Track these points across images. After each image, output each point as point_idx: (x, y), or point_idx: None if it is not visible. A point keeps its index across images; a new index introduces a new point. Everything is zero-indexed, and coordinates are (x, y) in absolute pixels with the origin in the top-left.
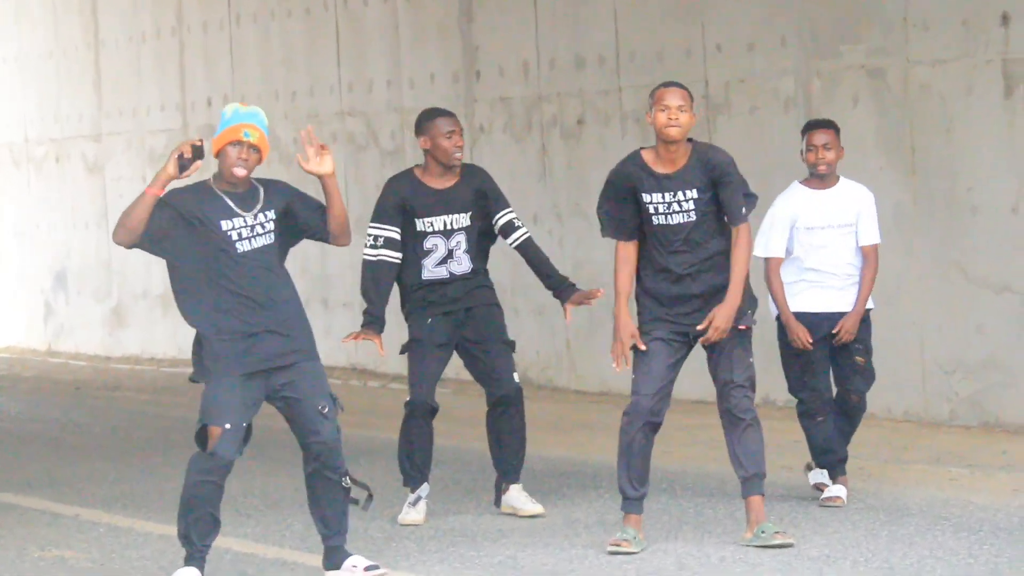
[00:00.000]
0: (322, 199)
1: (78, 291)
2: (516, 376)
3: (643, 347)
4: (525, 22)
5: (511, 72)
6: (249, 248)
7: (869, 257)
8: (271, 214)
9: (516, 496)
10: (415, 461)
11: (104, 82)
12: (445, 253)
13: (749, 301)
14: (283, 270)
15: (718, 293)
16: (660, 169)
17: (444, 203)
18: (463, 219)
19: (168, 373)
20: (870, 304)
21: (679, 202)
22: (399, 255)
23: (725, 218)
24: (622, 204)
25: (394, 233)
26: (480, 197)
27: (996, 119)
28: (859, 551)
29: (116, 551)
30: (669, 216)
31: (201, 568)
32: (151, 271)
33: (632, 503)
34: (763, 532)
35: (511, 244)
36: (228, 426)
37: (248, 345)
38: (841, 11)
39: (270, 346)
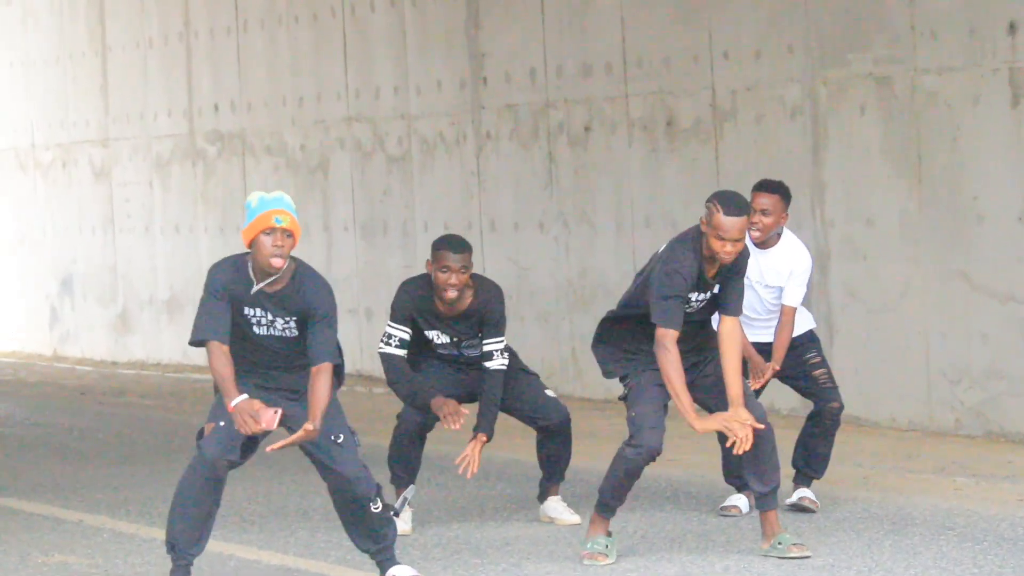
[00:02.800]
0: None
1: (84, 296)
2: (550, 392)
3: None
4: (532, 29)
5: (518, 79)
6: (266, 333)
7: (785, 316)
8: (292, 320)
9: (554, 506)
10: (406, 465)
11: (111, 87)
12: (456, 353)
13: None
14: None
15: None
16: (707, 273)
17: (452, 327)
18: (474, 340)
19: (174, 379)
20: (811, 325)
21: (699, 301)
22: (404, 353)
23: (724, 307)
24: (685, 301)
25: (405, 334)
26: (481, 324)
27: (1003, 128)
28: (863, 560)
29: (120, 557)
30: (697, 312)
31: None
32: (157, 277)
33: (609, 510)
34: (780, 544)
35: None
36: (222, 423)
37: (261, 393)
38: (848, 19)
39: (282, 400)
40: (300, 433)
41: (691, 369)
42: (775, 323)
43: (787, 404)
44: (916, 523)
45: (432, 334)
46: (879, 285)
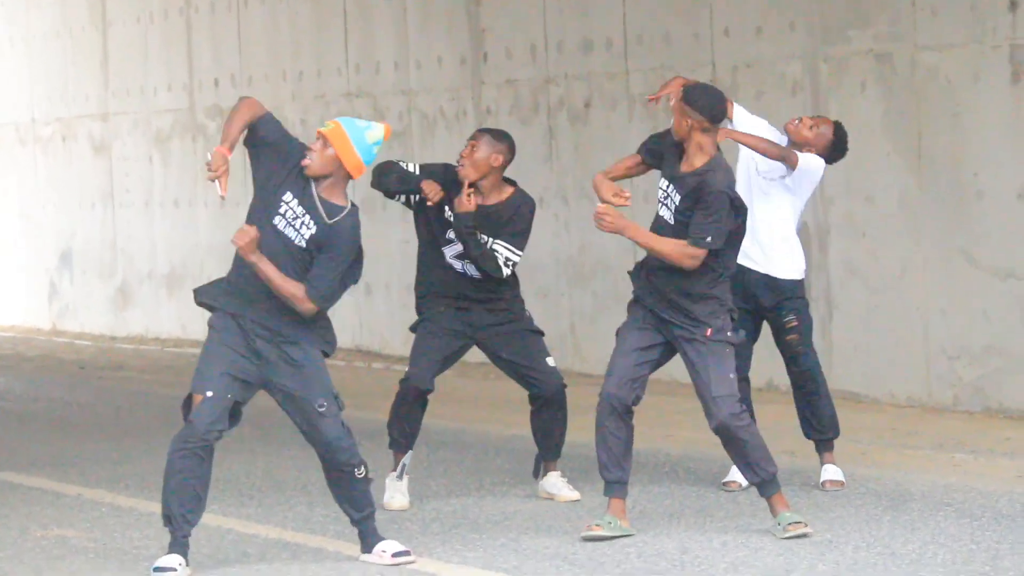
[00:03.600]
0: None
1: (83, 271)
2: (551, 361)
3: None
4: (533, 5)
5: (518, 55)
6: (281, 229)
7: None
8: (313, 230)
9: (554, 482)
10: (404, 430)
11: (111, 62)
12: (463, 253)
13: (726, 315)
14: (298, 269)
15: (685, 301)
16: (681, 163)
17: (480, 217)
18: (482, 239)
19: (173, 353)
20: (798, 275)
21: (669, 196)
22: (412, 166)
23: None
24: (649, 152)
25: (416, 169)
26: (501, 223)
27: (1003, 105)
28: (861, 536)
29: (118, 531)
30: (660, 206)
31: (184, 554)
32: (156, 251)
33: (612, 487)
34: (779, 524)
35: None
36: (209, 394)
37: (243, 302)
38: None
39: (260, 313)
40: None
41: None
42: (783, 249)
43: (786, 380)
44: (914, 499)
45: (451, 215)
46: (879, 262)
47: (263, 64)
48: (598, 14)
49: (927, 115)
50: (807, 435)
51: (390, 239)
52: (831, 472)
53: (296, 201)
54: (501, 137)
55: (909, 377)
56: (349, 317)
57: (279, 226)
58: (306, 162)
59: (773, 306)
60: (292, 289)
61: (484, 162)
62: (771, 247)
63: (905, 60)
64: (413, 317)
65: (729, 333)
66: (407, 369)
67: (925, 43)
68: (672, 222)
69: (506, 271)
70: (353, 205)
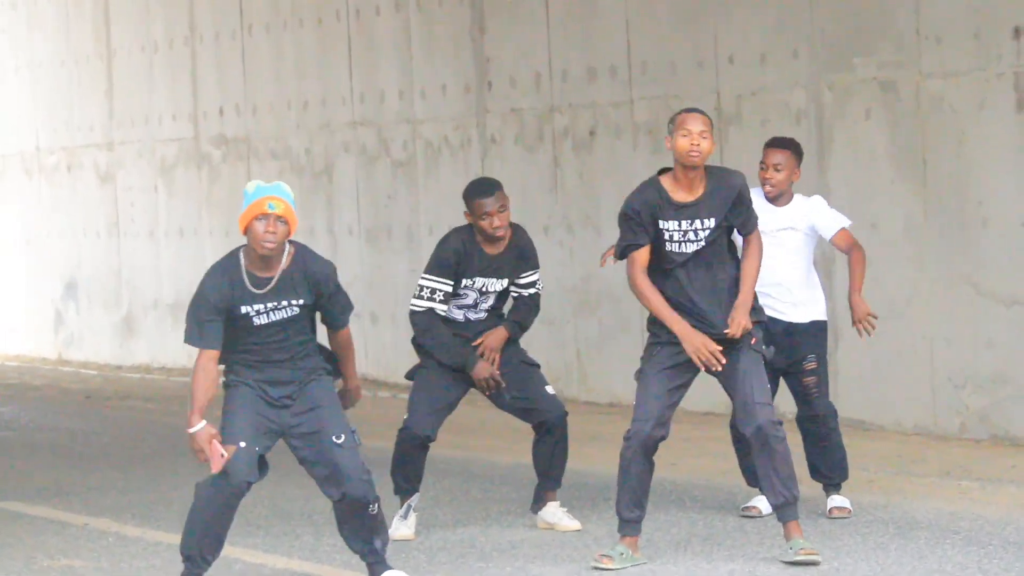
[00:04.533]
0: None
1: (89, 300)
2: (550, 389)
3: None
4: (537, 33)
5: (523, 83)
6: (267, 322)
7: (846, 241)
8: (297, 303)
9: (553, 512)
10: (408, 475)
11: (116, 91)
12: (471, 304)
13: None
14: (306, 326)
15: (722, 316)
16: (679, 197)
17: (492, 268)
18: (499, 284)
19: (178, 383)
20: (820, 316)
21: (695, 231)
22: (446, 308)
23: (740, 230)
24: (641, 230)
25: (446, 286)
26: (520, 259)
27: (1008, 132)
28: (868, 564)
29: (125, 560)
30: (683, 244)
31: None
32: (162, 281)
33: (627, 525)
34: (791, 548)
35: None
36: (243, 444)
37: (264, 388)
38: (853, 24)
39: (284, 390)
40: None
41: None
42: (803, 296)
43: (792, 408)
44: (921, 527)
45: (464, 281)
46: (884, 290)
47: (267, 93)
48: (602, 42)
49: (932, 143)
50: (814, 477)
51: (396, 269)
52: (837, 500)
53: (261, 304)
54: (493, 183)
55: (915, 405)
56: (355, 346)
57: (264, 322)
58: (269, 246)
59: (794, 347)
60: (351, 344)
61: (508, 213)
62: (791, 293)
63: (910, 88)
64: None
65: (763, 346)
66: (405, 418)
67: (930, 71)
68: (704, 246)
69: (540, 292)
70: (296, 246)
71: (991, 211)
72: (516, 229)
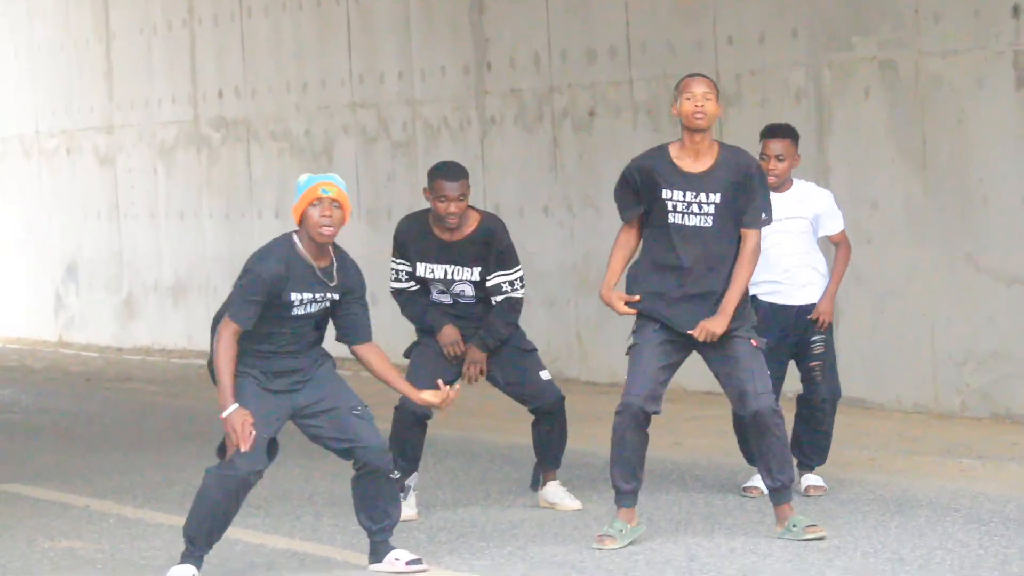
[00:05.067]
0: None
1: (89, 283)
2: (545, 374)
3: (630, 310)
4: (536, 14)
5: (522, 64)
6: (303, 313)
7: (841, 246)
8: (333, 297)
9: (554, 491)
10: (406, 453)
11: (115, 74)
12: (447, 300)
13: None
14: (325, 323)
15: (716, 298)
16: (685, 165)
17: (447, 255)
18: (467, 272)
19: (179, 365)
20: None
21: (700, 203)
22: (414, 284)
23: (743, 220)
24: (638, 195)
25: (406, 265)
26: (489, 253)
27: (1007, 111)
28: (869, 542)
29: (126, 542)
30: (687, 216)
31: (198, 566)
32: (162, 263)
33: (624, 496)
34: (795, 526)
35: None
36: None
37: (273, 377)
38: (852, 3)
39: (290, 379)
40: (438, 399)
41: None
42: (811, 277)
43: (793, 387)
44: (922, 505)
45: (422, 268)
46: (884, 268)
47: (267, 75)
48: (601, 23)
49: (931, 121)
50: (793, 452)
51: None
52: (812, 479)
53: (309, 295)
54: (460, 170)
55: (916, 383)
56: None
57: (301, 312)
58: (327, 230)
59: (804, 329)
60: (383, 356)
61: (466, 203)
62: (800, 277)
63: (909, 67)
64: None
65: (762, 340)
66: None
67: (929, 49)
68: (711, 224)
69: (520, 293)
70: (335, 248)
71: (991, 189)
72: (488, 219)
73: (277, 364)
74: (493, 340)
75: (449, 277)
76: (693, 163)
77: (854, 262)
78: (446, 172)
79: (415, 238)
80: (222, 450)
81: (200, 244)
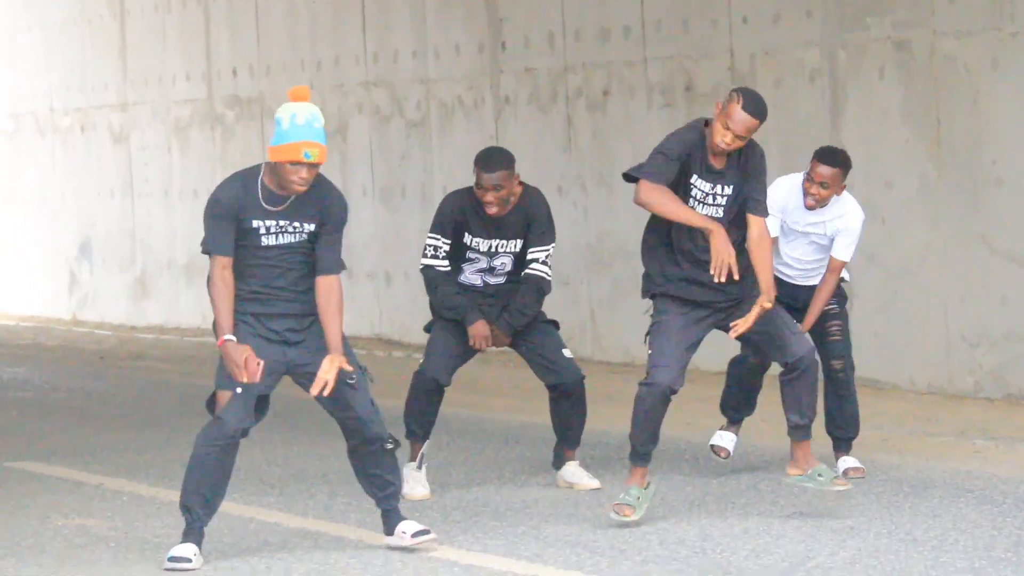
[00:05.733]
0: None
1: (103, 261)
2: (568, 352)
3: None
4: None
5: (536, 43)
6: (275, 243)
7: (831, 272)
8: (308, 228)
9: (573, 471)
10: (421, 420)
11: (129, 51)
12: (485, 267)
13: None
14: (311, 258)
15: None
16: (712, 161)
17: (497, 229)
18: (511, 245)
19: (192, 343)
20: (845, 275)
21: (715, 195)
22: (447, 264)
23: (747, 205)
24: (674, 164)
25: (445, 244)
26: (528, 224)
27: (1021, 91)
28: (882, 522)
29: (139, 520)
30: (703, 207)
31: (199, 543)
32: (176, 241)
33: (641, 458)
34: (820, 476)
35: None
36: (238, 390)
37: (265, 323)
38: None
39: (287, 323)
40: (332, 371)
41: (713, 297)
42: (821, 270)
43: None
44: (936, 486)
45: (469, 239)
46: (898, 249)
47: (281, 53)
48: (616, 2)
49: (946, 102)
50: (828, 430)
51: (409, 229)
52: (850, 461)
53: (272, 220)
54: (507, 158)
55: (929, 364)
56: (369, 306)
57: (271, 242)
58: (299, 188)
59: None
60: (341, 297)
61: (509, 192)
62: (814, 272)
63: (924, 47)
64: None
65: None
66: (421, 361)
67: (944, 30)
68: (722, 215)
69: (549, 274)
70: (318, 176)
71: (1005, 170)
72: (531, 193)
73: (269, 306)
74: (518, 321)
75: (493, 250)
76: (718, 161)
77: (867, 242)
78: (486, 162)
79: (461, 214)
80: (211, 404)
81: None
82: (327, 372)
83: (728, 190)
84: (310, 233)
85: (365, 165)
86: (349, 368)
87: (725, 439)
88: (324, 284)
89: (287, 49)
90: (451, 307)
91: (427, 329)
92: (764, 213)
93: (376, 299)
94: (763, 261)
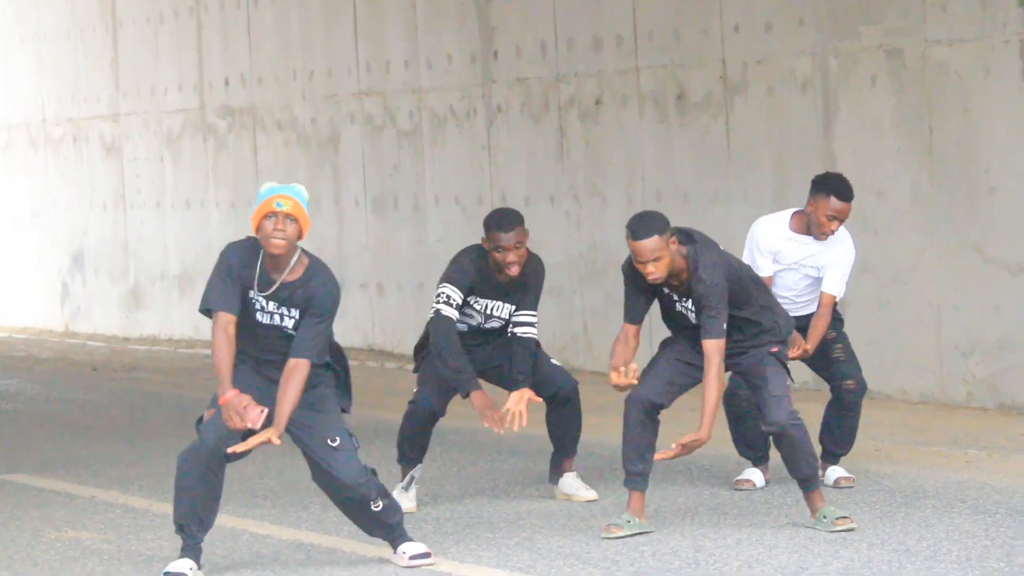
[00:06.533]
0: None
1: (95, 272)
2: (556, 362)
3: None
4: (543, 2)
5: (529, 52)
6: (267, 322)
7: (824, 306)
8: (294, 316)
9: (570, 483)
10: (414, 447)
11: (122, 62)
12: (475, 324)
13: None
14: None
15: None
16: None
17: (501, 293)
18: (506, 310)
19: (185, 354)
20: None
21: (684, 303)
22: (457, 316)
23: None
24: (639, 294)
25: (459, 297)
26: (526, 292)
27: (1013, 99)
28: (875, 533)
29: (132, 533)
30: (672, 302)
31: (197, 559)
32: (168, 253)
33: (634, 479)
34: (825, 517)
35: (511, 331)
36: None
37: (264, 371)
38: None
39: (274, 393)
40: (262, 437)
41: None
42: (815, 298)
43: (800, 378)
44: (928, 495)
45: (473, 299)
46: (890, 257)
47: (273, 63)
48: (608, 11)
49: (938, 110)
50: (821, 442)
51: (401, 239)
52: (840, 471)
53: (264, 299)
54: (518, 215)
55: (922, 373)
56: (362, 317)
57: (264, 320)
58: (278, 243)
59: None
60: (302, 381)
61: (525, 247)
62: (809, 302)
63: (915, 55)
64: (424, 316)
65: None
66: (415, 391)
67: (935, 38)
68: (694, 314)
69: (535, 332)
70: (312, 260)
71: (997, 178)
72: (534, 260)
73: (265, 369)
74: (524, 376)
75: (490, 312)
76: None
77: (860, 251)
78: (501, 222)
79: (477, 274)
80: (202, 422)
81: (206, 233)
82: (257, 437)
83: (688, 302)
84: (295, 320)
85: (357, 175)
86: (278, 442)
87: (754, 475)
88: (291, 364)
89: (279, 59)
90: (455, 372)
91: (416, 371)
92: (714, 335)
93: (369, 309)
94: (712, 396)
